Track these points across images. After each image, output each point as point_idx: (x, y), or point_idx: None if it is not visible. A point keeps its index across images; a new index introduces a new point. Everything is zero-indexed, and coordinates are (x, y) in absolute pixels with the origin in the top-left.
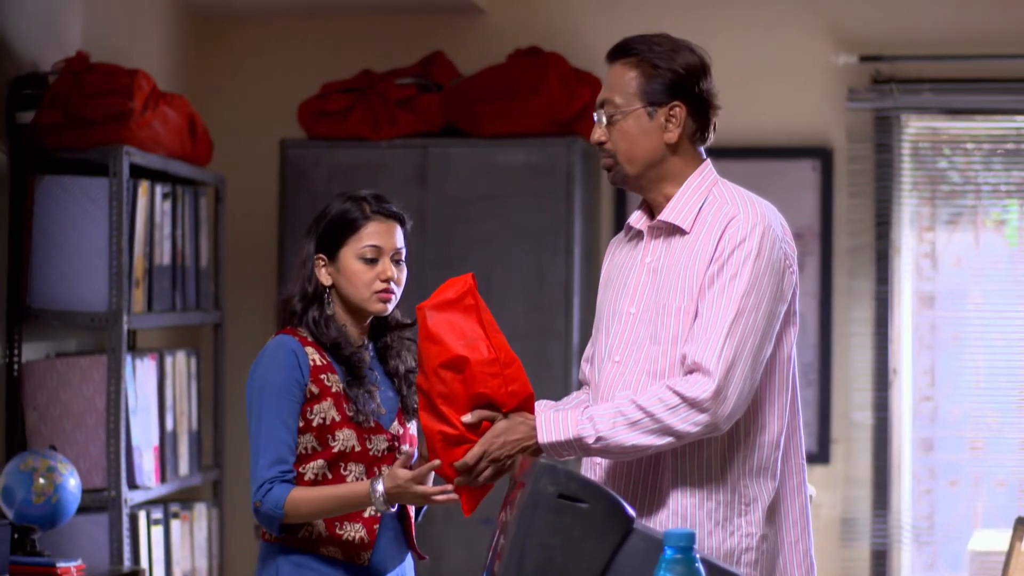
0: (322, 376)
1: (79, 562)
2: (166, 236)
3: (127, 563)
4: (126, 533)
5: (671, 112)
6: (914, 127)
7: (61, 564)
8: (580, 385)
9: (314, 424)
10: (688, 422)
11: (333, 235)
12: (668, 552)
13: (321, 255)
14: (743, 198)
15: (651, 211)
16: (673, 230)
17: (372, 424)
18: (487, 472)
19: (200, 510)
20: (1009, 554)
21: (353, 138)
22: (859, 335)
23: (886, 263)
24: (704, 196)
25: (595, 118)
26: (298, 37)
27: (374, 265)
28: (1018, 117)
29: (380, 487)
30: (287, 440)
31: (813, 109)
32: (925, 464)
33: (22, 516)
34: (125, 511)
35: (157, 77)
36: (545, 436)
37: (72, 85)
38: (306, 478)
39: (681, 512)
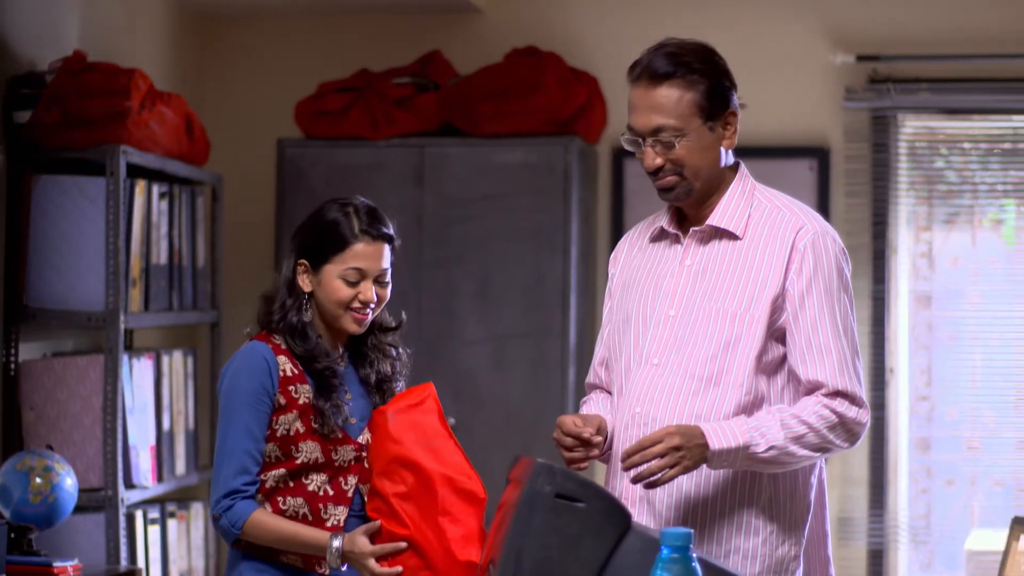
0: (290, 388)
1: (76, 561)
2: (163, 235)
3: (124, 563)
4: (123, 532)
5: (727, 121)
6: (911, 127)
7: (58, 564)
8: (589, 389)
9: (278, 434)
10: (841, 439)
11: (319, 247)
12: (665, 551)
13: (304, 261)
14: (794, 205)
15: (680, 214)
16: (719, 234)
17: (339, 435)
18: (642, 469)
19: (197, 509)
20: (1006, 554)
21: (350, 137)
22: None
23: (883, 263)
24: (750, 201)
25: (641, 143)
26: (295, 36)
27: (355, 286)
28: (1015, 116)
29: (337, 544)
30: (251, 450)
31: (810, 108)
32: (922, 464)
33: (19, 515)
34: (122, 511)
35: (154, 76)
36: (716, 443)
37: (69, 84)
38: (267, 485)
39: (739, 521)
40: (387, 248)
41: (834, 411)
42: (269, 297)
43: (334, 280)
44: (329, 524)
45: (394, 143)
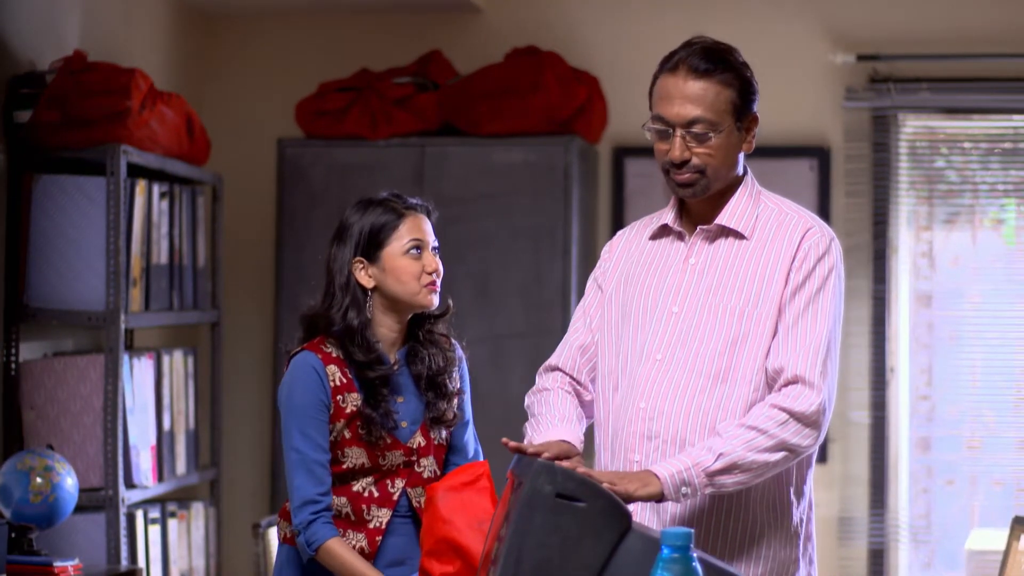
0: (339, 397)
1: (76, 561)
2: (163, 235)
3: (124, 562)
4: (123, 532)
5: (750, 125)
6: (911, 126)
7: (58, 563)
8: (546, 371)
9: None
10: (799, 435)
11: (371, 238)
12: (665, 551)
13: (360, 259)
14: (801, 210)
15: (684, 211)
16: (726, 233)
17: (387, 440)
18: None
19: (197, 509)
20: (1006, 553)
21: (350, 137)
22: (856, 334)
23: (883, 262)
24: (757, 204)
25: (671, 133)
26: (295, 36)
27: (419, 258)
28: (1015, 116)
29: None
30: (321, 460)
31: (810, 108)
32: (922, 463)
33: (19, 515)
34: (122, 510)
35: (154, 76)
36: (662, 469)
37: (69, 84)
38: None
39: (745, 522)
40: (427, 220)
41: (782, 408)
42: (313, 315)
43: (399, 259)
44: (371, 525)
45: (394, 143)
